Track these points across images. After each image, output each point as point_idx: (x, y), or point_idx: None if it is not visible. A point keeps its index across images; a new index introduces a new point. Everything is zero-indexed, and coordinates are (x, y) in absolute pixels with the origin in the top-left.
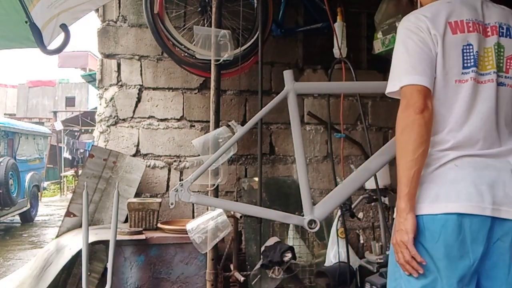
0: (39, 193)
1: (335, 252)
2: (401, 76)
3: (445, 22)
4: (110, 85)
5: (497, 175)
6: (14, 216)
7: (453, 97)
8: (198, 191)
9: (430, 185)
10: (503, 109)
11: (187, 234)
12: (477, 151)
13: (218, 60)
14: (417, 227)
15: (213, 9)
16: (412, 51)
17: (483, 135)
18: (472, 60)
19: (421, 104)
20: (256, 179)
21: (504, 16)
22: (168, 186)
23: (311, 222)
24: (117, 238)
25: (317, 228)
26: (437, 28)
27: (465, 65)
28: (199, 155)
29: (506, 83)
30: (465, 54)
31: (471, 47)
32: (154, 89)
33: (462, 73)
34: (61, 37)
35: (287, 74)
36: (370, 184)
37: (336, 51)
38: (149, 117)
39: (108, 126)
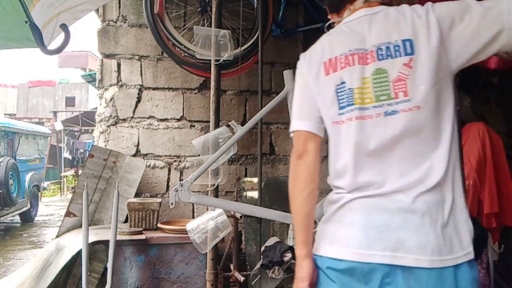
0: (39, 193)
1: None
2: (291, 123)
3: (319, 64)
4: (110, 85)
5: (389, 218)
6: (14, 216)
7: (336, 139)
8: (198, 191)
9: (329, 226)
10: (402, 139)
11: (187, 234)
12: (370, 192)
13: (218, 60)
14: (316, 265)
15: (213, 9)
16: (297, 96)
17: (373, 175)
18: (346, 99)
19: (300, 150)
20: (256, 179)
21: (386, 32)
22: (168, 186)
23: None
24: (117, 238)
25: (316, 228)
26: (311, 72)
27: (341, 105)
28: (199, 155)
29: (399, 109)
30: (339, 94)
31: (343, 85)
32: (154, 89)
33: (339, 114)
34: (61, 37)
35: (287, 74)
36: None
37: None
38: (149, 117)
39: (108, 126)
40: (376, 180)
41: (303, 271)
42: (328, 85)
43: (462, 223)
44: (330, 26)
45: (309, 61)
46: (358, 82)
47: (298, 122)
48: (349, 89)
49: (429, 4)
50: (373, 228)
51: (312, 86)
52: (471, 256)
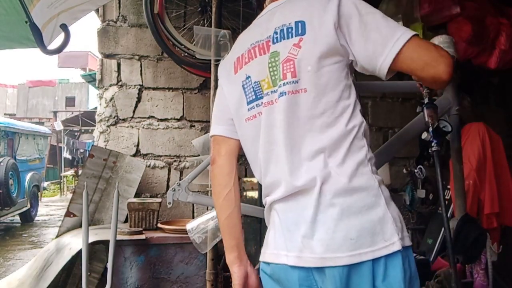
0: (39, 193)
1: None
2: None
3: (231, 64)
4: (110, 85)
5: (298, 216)
6: (14, 216)
7: (250, 137)
8: (198, 191)
9: (267, 232)
10: (295, 125)
11: (187, 234)
12: (284, 192)
13: (218, 60)
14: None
15: (213, 9)
16: (215, 103)
17: (285, 170)
18: (253, 93)
19: (213, 155)
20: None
21: (283, 16)
22: (168, 186)
23: None
24: (117, 238)
25: None
26: (223, 74)
27: (249, 100)
28: (199, 155)
29: (287, 91)
30: (246, 90)
31: (249, 79)
32: (154, 89)
33: (248, 109)
34: (61, 37)
35: None
36: None
37: None
38: (149, 117)
39: (108, 126)
40: (287, 176)
41: (233, 277)
42: (236, 83)
43: (381, 211)
44: None
45: (224, 64)
46: (264, 72)
47: (212, 128)
48: (255, 82)
49: None
50: (285, 228)
51: (224, 89)
52: (396, 247)
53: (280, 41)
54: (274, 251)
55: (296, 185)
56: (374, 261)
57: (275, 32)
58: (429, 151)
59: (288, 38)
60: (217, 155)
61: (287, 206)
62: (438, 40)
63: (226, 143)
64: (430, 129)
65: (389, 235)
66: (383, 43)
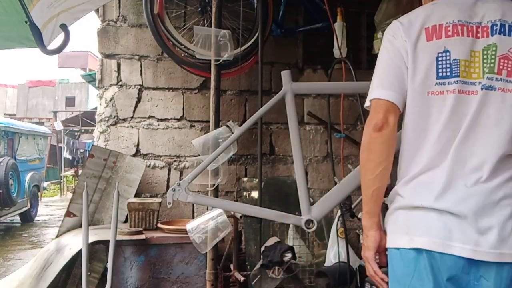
0: (39, 193)
1: (335, 252)
2: (371, 90)
3: (420, 28)
4: (110, 85)
5: (471, 209)
6: (14, 216)
7: (426, 111)
8: (198, 191)
9: (406, 217)
10: (489, 119)
11: (187, 234)
12: (458, 184)
13: (218, 60)
14: (390, 257)
15: (213, 9)
16: (383, 63)
17: (462, 163)
18: (448, 69)
19: (380, 121)
20: (256, 179)
21: (501, 10)
22: (168, 186)
23: (308, 222)
24: (117, 238)
25: (314, 228)
26: (410, 35)
27: (440, 74)
28: (199, 155)
29: (497, 87)
30: (439, 63)
31: (447, 54)
32: (154, 89)
33: (436, 83)
34: (61, 37)
35: (285, 75)
36: None
37: (336, 51)
38: (149, 117)
39: (108, 126)
40: (454, 169)
41: (369, 240)
42: (428, 51)
43: None
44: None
45: (408, 26)
46: (466, 54)
47: (381, 91)
48: (454, 59)
49: None
50: (452, 220)
51: (406, 52)
52: None
53: (499, 34)
54: (435, 239)
55: (473, 180)
56: None
57: (495, 25)
58: None
59: (509, 35)
60: (385, 123)
61: (454, 198)
62: None
63: (396, 113)
64: None
65: None
66: None
